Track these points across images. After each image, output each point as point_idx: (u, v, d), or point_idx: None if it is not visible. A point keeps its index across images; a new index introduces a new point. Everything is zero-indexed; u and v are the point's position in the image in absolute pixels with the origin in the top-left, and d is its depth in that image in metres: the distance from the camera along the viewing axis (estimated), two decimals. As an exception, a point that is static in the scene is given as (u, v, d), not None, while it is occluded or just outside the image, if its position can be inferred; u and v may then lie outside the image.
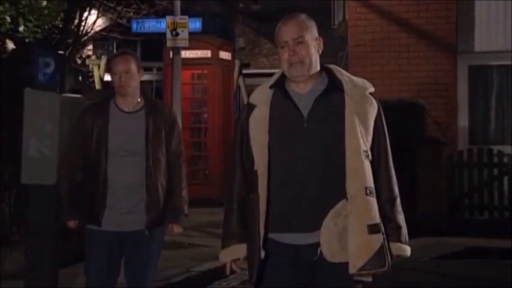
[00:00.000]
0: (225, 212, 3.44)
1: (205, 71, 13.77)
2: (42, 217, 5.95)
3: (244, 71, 16.90)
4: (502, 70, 12.05)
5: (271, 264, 3.28)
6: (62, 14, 9.53)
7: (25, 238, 6.35)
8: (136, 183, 4.54)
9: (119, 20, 13.57)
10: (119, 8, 13.17)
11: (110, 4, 12.97)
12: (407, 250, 3.34)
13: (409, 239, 3.39)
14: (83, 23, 12.08)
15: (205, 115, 13.96)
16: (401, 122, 9.82)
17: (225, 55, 14.11)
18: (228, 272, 3.42)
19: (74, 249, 7.92)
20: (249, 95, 3.62)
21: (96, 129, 4.57)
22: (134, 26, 14.65)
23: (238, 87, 16.05)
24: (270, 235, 3.28)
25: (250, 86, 15.59)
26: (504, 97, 12.08)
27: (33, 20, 8.85)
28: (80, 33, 12.13)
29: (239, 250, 3.37)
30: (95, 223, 4.60)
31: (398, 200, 3.34)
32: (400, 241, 3.30)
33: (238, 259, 3.39)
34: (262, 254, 3.24)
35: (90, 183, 4.62)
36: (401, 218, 3.34)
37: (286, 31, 3.31)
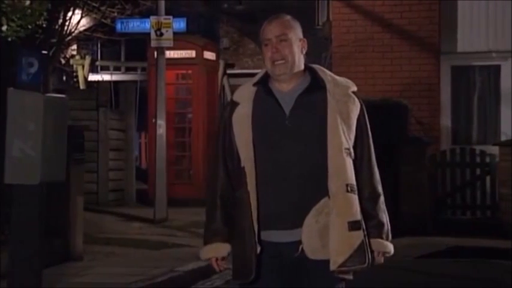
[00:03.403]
0: (207, 209, 3.44)
1: (190, 71, 13.77)
2: (26, 217, 5.93)
3: (228, 71, 16.90)
4: (485, 70, 12.13)
5: (258, 262, 3.28)
6: (45, 14, 9.48)
7: (9, 238, 6.32)
8: None
9: (103, 20, 13.54)
10: (103, 8, 13.13)
11: (94, 4, 12.93)
12: (389, 247, 3.36)
13: (393, 238, 3.41)
14: (66, 23, 12.03)
15: (190, 115, 13.96)
16: (384, 121, 9.86)
17: (209, 55, 14.11)
18: (217, 269, 3.42)
19: (58, 249, 7.91)
20: (233, 95, 3.62)
21: None
22: (118, 26, 14.64)
23: (223, 87, 16.05)
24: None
25: (235, 86, 15.58)
26: (486, 97, 12.16)
27: (16, 19, 8.81)
28: (64, 33, 12.09)
29: (221, 249, 3.37)
30: None
31: (381, 198, 3.36)
32: (381, 238, 3.32)
33: (222, 258, 3.39)
34: (258, 249, 3.25)
35: None
36: (384, 216, 3.35)
37: (270, 29, 3.34)
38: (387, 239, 3.35)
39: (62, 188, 7.74)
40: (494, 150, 11.13)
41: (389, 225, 3.38)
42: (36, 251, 5.95)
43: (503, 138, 11.68)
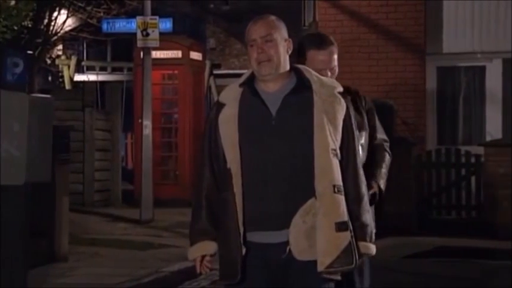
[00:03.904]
0: (193, 209, 3.44)
1: (176, 72, 13.75)
2: (11, 217, 5.91)
3: (215, 72, 16.89)
4: (470, 71, 12.19)
5: (245, 263, 3.28)
6: (31, 14, 9.46)
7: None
8: None
9: (88, 20, 13.51)
10: (88, 8, 13.11)
11: (80, 4, 12.90)
12: (372, 249, 3.36)
13: (378, 238, 3.43)
14: (52, 23, 12.00)
15: (176, 115, 13.94)
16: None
17: (195, 55, 14.10)
18: (198, 269, 3.42)
19: (43, 250, 7.88)
20: (220, 96, 3.63)
21: None
22: (104, 26, 14.61)
23: (209, 87, 16.05)
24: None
25: (221, 86, 15.58)
26: (471, 98, 12.22)
27: (1, 20, 8.78)
28: (50, 33, 12.05)
29: (208, 246, 3.37)
30: None
31: (365, 199, 3.36)
32: (365, 240, 3.33)
33: (209, 256, 3.38)
34: (244, 250, 3.25)
35: None
36: (368, 217, 3.36)
37: (255, 30, 3.34)
38: (371, 241, 3.36)
39: (48, 189, 7.70)
40: (479, 150, 11.19)
41: (373, 226, 3.39)
42: (21, 252, 5.93)
43: (488, 138, 11.74)
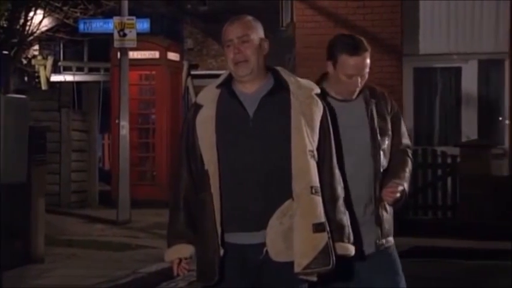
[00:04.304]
0: (170, 211, 3.43)
1: (153, 72, 13.72)
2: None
3: (192, 72, 16.88)
4: (446, 72, 12.27)
5: (222, 264, 3.28)
6: (6, 14, 9.38)
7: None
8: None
9: (65, 20, 13.43)
10: (65, 8, 13.03)
11: (56, 4, 12.82)
12: (350, 249, 3.37)
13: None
14: (28, 23, 11.92)
15: (153, 116, 13.91)
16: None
17: (173, 56, 14.08)
18: (175, 271, 3.42)
19: (19, 251, 7.83)
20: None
21: None
22: (81, 26, 14.51)
23: (187, 88, 16.03)
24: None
25: (199, 87, 15.57)
26: (448, 99, 12.30)
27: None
28: (25, 33, 11.97)
29: (185, 249, 3.37)
30: None
31: (341, 200, 3.37)
32: (342, 240, 3.33)
33: (185, 258, 3.38)
34: (222, 251, 3.25)
35: None
36: (344, 218, 3.36)
37: (232, 30, 3.33)
38: (349, 242, 3.36)
39: (23, 190, 7.66)
40: (456, 151, 11.26)
41: (350, 227, 3.39)
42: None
43: (464, 139, 11.81)
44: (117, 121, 11.83)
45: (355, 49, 3.64)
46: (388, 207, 3.74)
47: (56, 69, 18.41)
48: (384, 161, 3.70)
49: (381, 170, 3.69)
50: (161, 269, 7.56)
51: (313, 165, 3.26)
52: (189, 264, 3.40)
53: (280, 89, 3.33)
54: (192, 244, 3.36)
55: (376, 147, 3.66)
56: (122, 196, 11.25)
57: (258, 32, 3.36)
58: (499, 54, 11.85)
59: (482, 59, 11.94)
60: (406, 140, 3.83)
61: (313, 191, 3.23)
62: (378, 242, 3.69)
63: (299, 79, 3.41)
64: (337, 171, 3.38)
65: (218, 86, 3.39)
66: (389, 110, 3.77)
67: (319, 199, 3.25)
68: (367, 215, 3.67)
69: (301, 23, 12.38)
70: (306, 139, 3.26)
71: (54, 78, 17.85)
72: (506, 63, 11.79)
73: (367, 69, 3.68)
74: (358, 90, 3.70)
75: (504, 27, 11.76)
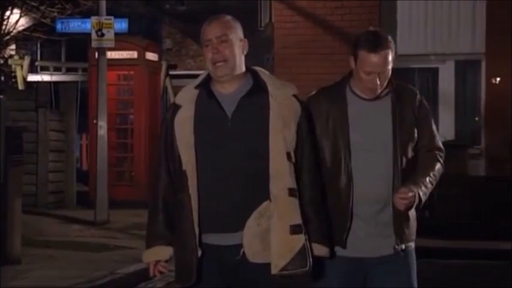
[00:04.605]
0: (149, 212, 3.42)
1: (132, 72, 13.68)
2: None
3: (171, 72, 16.84)
4: (423, 73, 12.34)
5: (199, 266, 3.27)
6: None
7: None
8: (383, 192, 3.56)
9: (42, 20, 13.36)
10: (42, 8, 12.96)
11: (33, 3, 12.75)
12: (327, 251, 3.37)
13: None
14: (4, 22, 11.84)
15: (132, 116, 13.86)
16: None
17: (151, 56, 14.04)
18: (151, 273, 3.41)
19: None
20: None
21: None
22: (59, 26, 14.46)
23: (165, 88, 15.99)
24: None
25: (178, 87, 15.55)
26: (425, 99, 12.36)
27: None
28: (2, 32, 11.89)
29: (163, 252, 3.36)
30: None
31: (320, 201, 3.37)
32: (319, 242, 3.33)
33: (162, 261, 3.37)
34: (199, 252, 3.24)
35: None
36: (322, 219, 3.37)
37: (210, 30, 3.32)
38: (325, 243, 3.36)
39: (0, 190, 7.60)
40: (433, 151, 11.32)
41: (329, 228, 3.39)
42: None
43: (441, 140, 11.88)
44: (95, 121, 11.77)
45: (374, 46, 3.49)
46: (412, 210, 3.57)
47: (33, 69, 18.30)
48: (404, 163, 3.51)
49: (401, 171, 3.50)
50: (139, 270, 7.53)
51: (290, 166, 3.25)
52: (165, 267, 3.38)
53: (258, 90, 3.33)
54: (171, 245, 3.35)
55: (396, 147, 3.50)
56: (100, 196, 11.20)
57: (237, 32, 3.35)
58: (475, 55, 11.94)
59: (459, 59, 12.03)
60: (436, 143, 3.65)
61: (291, 192, 3.23)
62: (396, 246, 3.52)
63: (278, 80, 3.41)
64: (316, 172, 3.38)
65: (197, 87, 3.38)
66: (416, 111, 3.60)
67: (296, 201, 3.25)
68: (384, 216, 3.51)
69: (280, 23, 12.39)
70: (284, 140, 3.25)
71: (31, 78, 17.74)
72: (483, 64, 11.88)
73: (388, 67, 3.53)
74: (378, 88, 3.53)
75: (480, 28, 11.85)
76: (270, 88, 3.33)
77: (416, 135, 3.57)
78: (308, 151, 3.35)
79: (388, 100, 3.58)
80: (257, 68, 3.44)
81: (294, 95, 3.37)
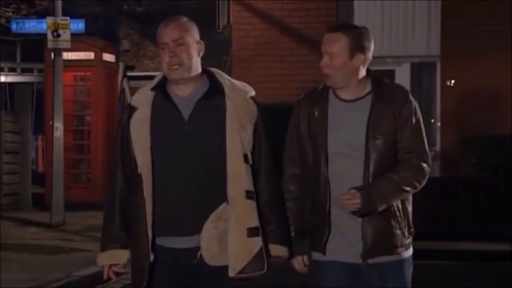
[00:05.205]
0: (105, 215, 3.40)
1: (88, 73, 13.58)
2: None
3: (128, 74, 16.75)
4: (380, 75, 12.43)
5: (155, 269, 3.26)
6: None
7: None
8: None
9: (-3, 20, 13.18)
10: (-4, 8, 12.79)
11: (-12, 3, 12.57)
12: (284, 251, 3.38)
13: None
14: (-42, 22, 11.64)
15: (89, 118, 13.76)
16: (283, 125, 9.97)
17: (108, 57, 13.95)
18: (105, 276, 3.38)
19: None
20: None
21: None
22: (14, 26, 14.27)
23: (123, 89, 15.90)
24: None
25: (135, 88, 15.46)
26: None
27: None
28: (-45, 32, 11.69)
29: (119, 255, 3.34)
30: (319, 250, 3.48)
31: (278, 202, 3.38)
32: (279, 242, 3.34)
33: (117, 264, 3.36)
34: (152, 256, 3.22)
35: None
36: (281, 220, 3.38)
37: (167, 32, 3.31)
38: (285, 244, 3.37)
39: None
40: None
41: (288, 229, 3.40)
42: None
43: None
44: (51, 123, 11.66)
45: (331, 27, 3.52)
46: (386, 218, 3.37)
47: (-13, 70, 18.03)
48: (378, 166, 3.34)
49: (374, 174, 3.34)
50: (95, 272, 7.47)
51: (247, 169, 3.26)
52: (120, 269, 3.37)
53: (215, 92, 3.32)
54: (127, 248, 3.33)
55: (369, 149, 3.36)
56: (56, 198, 11.10)
57: (193, 34, 3.34)
58: (431, 58, 12.10)
59: (415, 62, 12.18)
60: (415, 146, 3.42)
61: (248, 195, 3.23)
62: (363, 254, 3.36)
63: (234, 81, 3.41)
64: (274, 174, 3.38)
65: (153, 88, 3.37)
66: (397, 111, 3.43)
67: (254, 203, 3.25)
68: (356, 222, 3.36)
69: (238, 25, 12.41)
70: (240, 143, 3.25)
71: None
72: (438, 66, 12.05)
73: (340, 53, 3.45)
74: (325, 69, 3.45)
75: (436, 29, 12.01)
76: (226, 90, 3.33)
77: (395, 137, 3.40)
78: (265, 153, 3.35)
79: (369, 101, 3.46)
80: (213, 70, 3.43)
81: (251, 97, 3.38)
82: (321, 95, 3.53)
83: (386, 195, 3.34)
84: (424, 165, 3.45)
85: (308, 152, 3.46)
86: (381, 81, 3.58)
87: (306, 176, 3.45)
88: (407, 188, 3.40)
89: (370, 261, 3.37)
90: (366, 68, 3.60)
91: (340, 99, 3.50)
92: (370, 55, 3.60)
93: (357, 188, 3.32)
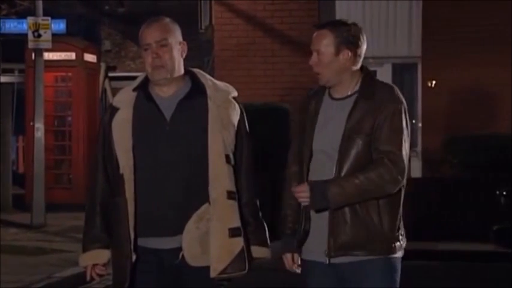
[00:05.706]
0: (86, 215, 3.39)
1: (70, 74, 13.51)
2: None
3: (110, 74, 16.68)
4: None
5: (137, 269, 3.26)
6: None
7: None
8: None
9: (-23, 20, 13.09)
10: (-23, 7, 12.70)
11: (-32, 3, 12.48)
12: (267, 252, 3.39)
13: (271, 241, 3.44)
14: None
15: (70, 118, 13.69)
16: (266, 126, 9.97)
17: (90, 58, 13.88)
18: (88, 277, 3.37)
19: None
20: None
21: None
22: (-6, 26, 14.17)
23: (104, 90, 15.84)
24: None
25: (117, 89, 15.41)
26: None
27: None
28: None
29: (101, 255, 3.33)
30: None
31: (257, 203, 3.39)
32: (260, 244, 3.35)
33: (99, 264, 3.35)
34: (134, 257, 3.22)
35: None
36: (261, 221, 3.38)
37: (149, 33, 3.30)
38: (265, 245, 3.38)
39: None
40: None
41: (267, 230, 3.41)
42: None
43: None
44: (31, 123, 11.60)
45: (320, 24, 3.56)
46: (358, 214, 3.28)
47: (-33, 70, 17.90)
48: (352, 166, 3.27)
49: (345, 174, 3.28)
50: (77, 273, 7.44)
51: (229, 169, 3.26)
52: (103, 270, 3.36)
53: (197, 93, 3.32)
54: (108, 248, 3.33)
55: (342, 149, 3.30)
56: (37, 199, 11.04)
57: (176, 35, 3.33)
58: (412, 58, 12.17)
59: (396, 62, 12.24)
60: (388, 146, 3.30)
61: (230, 195, 3.23)
62: (326, 251, 3.29)
63: (216, 82, 3.40)
64: (254, 175, 3.38)
65: (135, 89, 3.36)
66: (377, 110, 3.34)
67: (235, 203, 3.25)
68: (323, 220, 3.30)
69: (220, 25, 12.40)
70: (222, 143, 3.25)
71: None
72: (419, 67, 12.11)
73: (326, 50, 3.47)
74: (314, 66, 3.50)
75: (417, 29, 12.07)
76: (208, 90, 3.33)
77: (370, 137, 3.31)
78: (246, 153, 3.35)
79: (353, 99, 3.40)
80: (196, 70, 3.43)
81: (234, 97, 3.37)
82: (318, 93, 3.56)
83: (346, 193, 3.23)
84: (395, 167, 3.28)
85: (301, 149, 3.44)
86: (371, 79, 3.50)
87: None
88: (371, 189, 3.25)
89: (334, 260, 3.29)
90: (359, 65, 3.55)
91: (331, 97, 3.49)
92: (359, 51, 3.53)
93: (312, 182, 3.26)
